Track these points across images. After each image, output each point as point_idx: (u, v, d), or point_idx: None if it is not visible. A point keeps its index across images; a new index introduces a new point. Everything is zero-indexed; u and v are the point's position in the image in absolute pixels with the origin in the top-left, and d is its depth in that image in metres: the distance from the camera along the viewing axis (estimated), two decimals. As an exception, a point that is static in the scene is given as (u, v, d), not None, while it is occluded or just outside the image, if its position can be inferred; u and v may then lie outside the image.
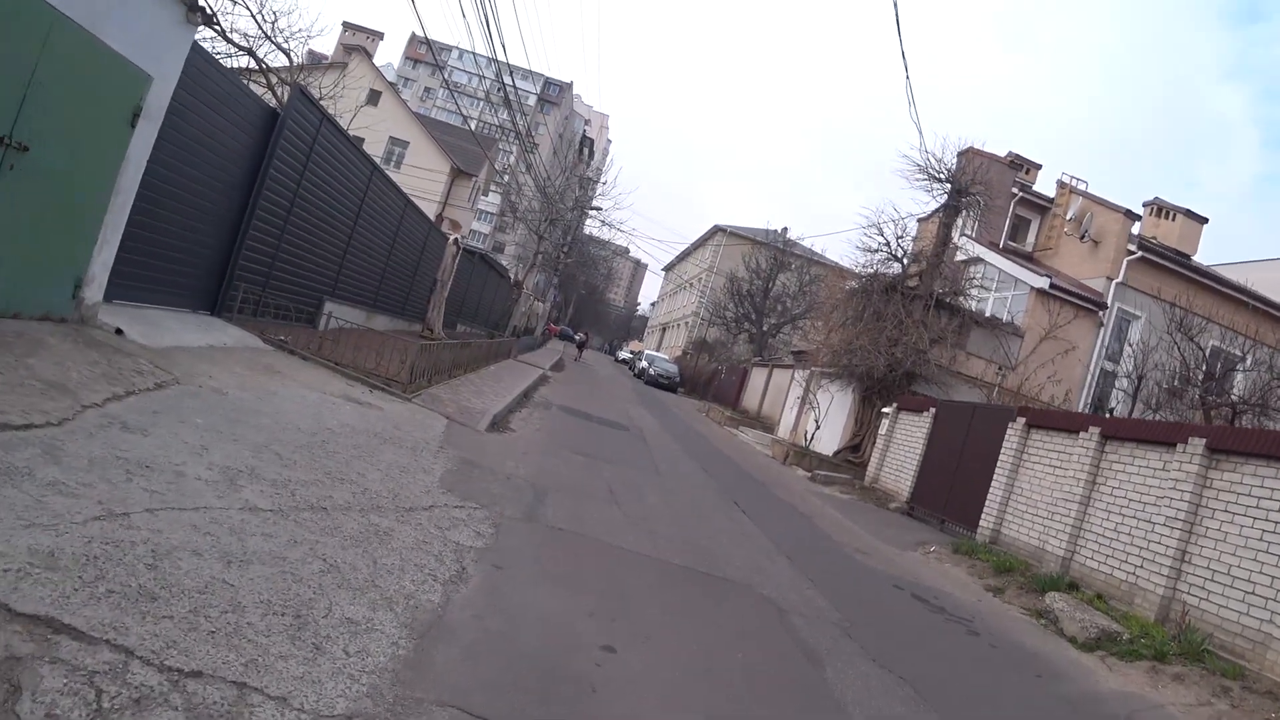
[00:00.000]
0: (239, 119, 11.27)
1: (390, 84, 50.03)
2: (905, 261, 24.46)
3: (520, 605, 5.20)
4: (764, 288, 54.15)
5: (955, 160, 24.37)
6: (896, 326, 21.97)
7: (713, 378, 50.66)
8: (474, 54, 25.73)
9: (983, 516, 14.10)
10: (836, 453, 22.68)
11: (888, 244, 24.59)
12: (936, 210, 25.76)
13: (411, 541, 5.62)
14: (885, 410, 20.38)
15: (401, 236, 21.27)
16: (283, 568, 4.40)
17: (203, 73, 9.95)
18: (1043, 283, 23.97)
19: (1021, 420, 14.16)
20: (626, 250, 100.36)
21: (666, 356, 58.03)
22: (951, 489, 15.84)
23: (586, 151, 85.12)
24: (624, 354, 77.74)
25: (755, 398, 40.34)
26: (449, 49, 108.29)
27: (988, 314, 24.84)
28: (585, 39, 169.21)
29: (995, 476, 14.20)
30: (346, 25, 64.11)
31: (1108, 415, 18.76)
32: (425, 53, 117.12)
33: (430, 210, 38.58)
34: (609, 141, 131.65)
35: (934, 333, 22.03)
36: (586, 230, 58.50)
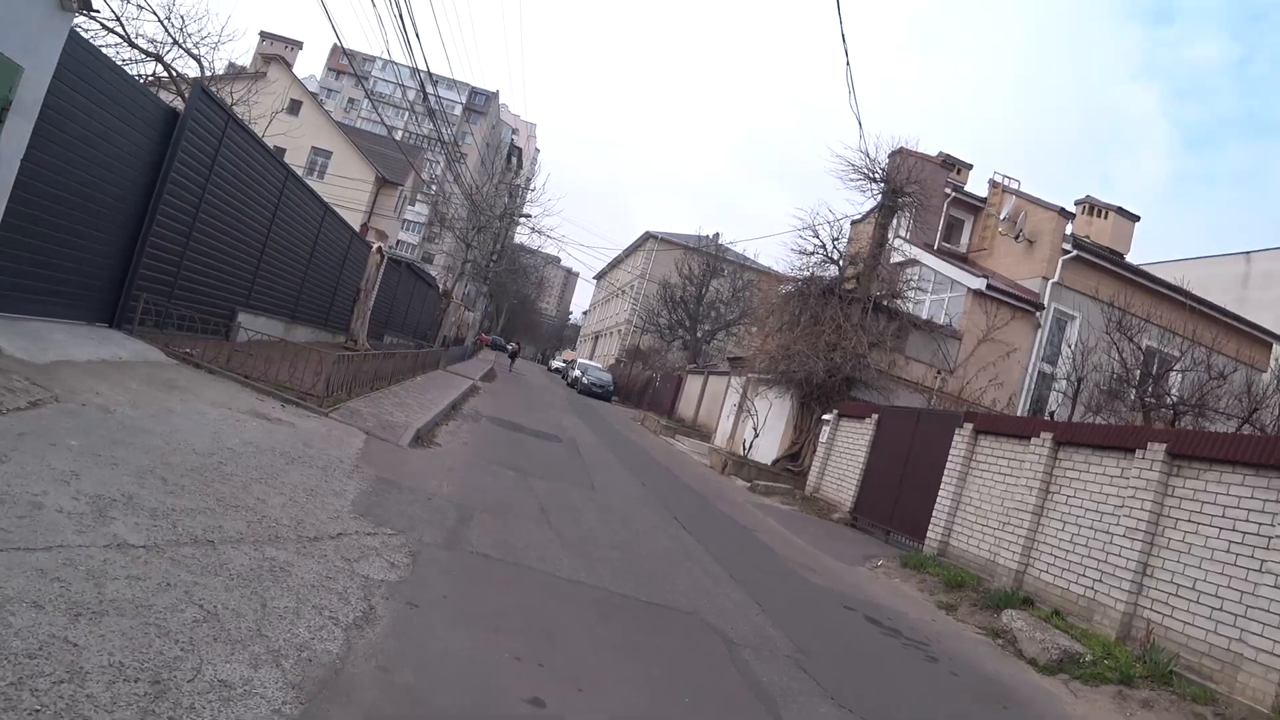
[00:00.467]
0: (133, 118, 10.41)
1: (311, 94, 48.79)
2: (842, 264, 24.02)
3: (435, 652, 4.51)
4: (697, 294, 53.86)
5: (887, 161, 23.97)
6: (835, 330, 21.50)
7: (647, 386, 50.15)
8: (396, 64, 24.99)
9: (930, 527, 13.61)
10: (775, 461, 22.18)
11: (823, 246, 24.15)
12: (871, 210, 25.44)
13: (312, 578, 4.90)
14: (826, 417, 19.90)
15: (321, 245, 20.37)
16: (146, 618, 3.67)
17: (86, 66, 9.14)
18: (979, 284, 23.70)
19: (969, 426, 13.70)
20: (558, 259, 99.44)
21: (600, 365, 57.69)
22: (897, 499, 15.36)
23: (515, 161, 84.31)
24: (557, 363, 77.47)
25: (691, 406, 39.84)
26: (372, 59, 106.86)
27: (925, 317, 24.52)
28: (510, 47, 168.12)
29: (943, 485, 13.72)
30: (264, 35, 62.62)
31: (1049, 418, 18.45)
32: (348, 64, 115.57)
33: (356, 220, 37.62)
34: (537, 150, 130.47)
35: (873, 336, 21.59)
36: (517, 239, 57.71)
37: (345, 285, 23.68)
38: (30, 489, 4.64)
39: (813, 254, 24.11)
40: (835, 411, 19.55)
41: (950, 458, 13.81)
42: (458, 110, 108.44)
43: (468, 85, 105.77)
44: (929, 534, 13.57)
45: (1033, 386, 24.14)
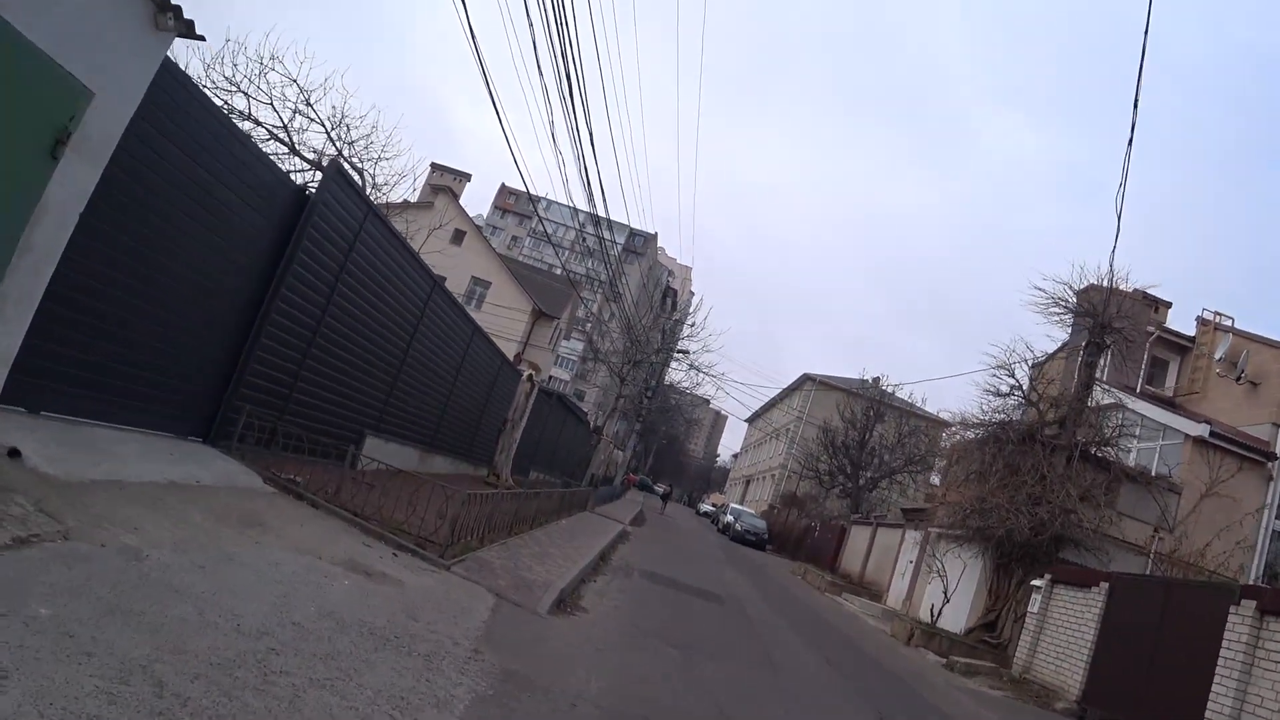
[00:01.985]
0: (248, 189, 8.75)
1: (475, 225, 48.82)
2: (1041, 407, 21.16)
3: None
4: (860, 439, 50.73)
5: (1077, 298, 21.24)
6: (1038, 481, 18.62)
7: (805, 535, 47.05)
8: (571, 207, 24.64)
9: (1205, 734, 10.58)
10: (968, 631, 19.05)
11: (1020, 386, 21.44)
12: (1058, 350, 22.87)
13: None
14: (1036, 583, 16.84)
15: (468, 367, 18.73)
16: None
17: (186, 112, 7.40)
18: (1201, 430, 20.74)
19: (1250, 605, 10.75)
20: (707, 401, 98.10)
21: (753, 511, 55.41)
22: (1144, 690, 12.30)
23: (670, 302, 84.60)
24: (706, 507, 75.55)
25: (857, 560, 36.57)
26: (538, 199, 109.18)
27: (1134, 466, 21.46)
28: (680, 193, 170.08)
29: (1218, 680, 10.71)
30: (435, 166, 63.66)
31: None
32: (514, 203, 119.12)
33: (510, 350, 36.65)
34: (692, 294, 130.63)
35: (1081, 489, 18.62)
36: (671, 378, 56.23)
37: (491, 414, 21.99)
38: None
39: (1008, 395, 21.43)
40: (1047, 576, 16.53)
41: (1226, 644, 10.84)
42: (616, 250, 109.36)
43: (626, 226, 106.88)
44: (1204, 743, 10.55)
45: (1266, 547, 20.68)
